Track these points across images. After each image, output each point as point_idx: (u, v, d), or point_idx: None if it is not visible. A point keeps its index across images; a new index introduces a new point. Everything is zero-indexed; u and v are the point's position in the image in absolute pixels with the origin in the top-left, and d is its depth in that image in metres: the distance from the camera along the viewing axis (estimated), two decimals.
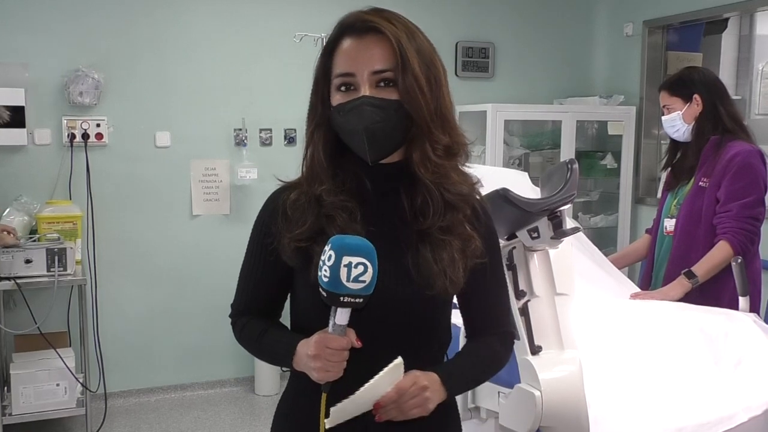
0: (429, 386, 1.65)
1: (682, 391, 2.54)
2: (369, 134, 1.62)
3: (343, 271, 1.51)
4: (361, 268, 1.51)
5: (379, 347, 1.64)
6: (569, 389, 2.20)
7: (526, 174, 3.79)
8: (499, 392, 2.38)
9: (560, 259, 2.33)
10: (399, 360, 1.60)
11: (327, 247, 1.54)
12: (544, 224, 2.21)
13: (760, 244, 3.54)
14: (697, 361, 2.67)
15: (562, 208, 2.20)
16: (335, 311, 1.56)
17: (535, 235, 2.23)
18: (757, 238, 3.47)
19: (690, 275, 3.39)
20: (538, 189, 3.10)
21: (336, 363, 1.58)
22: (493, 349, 1.84)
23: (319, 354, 1.58)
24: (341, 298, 1.53)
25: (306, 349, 1.62)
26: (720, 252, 3.39)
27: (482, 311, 1.84)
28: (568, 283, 2.33)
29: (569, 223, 2.50)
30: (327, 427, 1.61)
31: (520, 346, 2.24)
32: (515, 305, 2.25)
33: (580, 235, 3.48)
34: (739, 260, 3.02)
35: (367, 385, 1.58)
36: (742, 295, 3.04)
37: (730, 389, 2.56)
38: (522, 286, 2.27)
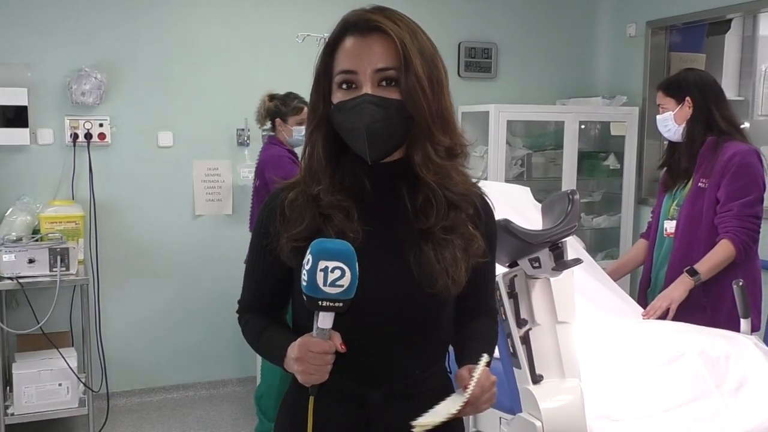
0: (496, 379, 1.67)
1: (683, 415, 2.54)
2: (370, 133, 1.62)
3: (320, 276, 1.51)
4: (338, 273, 1.51)
5: (381, 345, 1.66)
6: (570, 419, 2.22)
7: (528, 189, 3.79)
8: (500, 418, 2.40)
9: (561, 287, 2.34)
10: (486, 357, 1.63)
11: (307, 251, 1.54)
12: (545, 255, 2.22)
13: (759, 243, 3.56)
14: (697, 384, 2.67)
15: (563, 239, 2.21)
16: (317, 315, 1.57)
17: (537, 264, 2.24)
18: (758, 236, 3.49)
19: (692, 272, 3.41)
20: (540, 205, 3.11)
21: (318, 367, 1.58)
22: (493, 329, 1.90)
23: (302, 357, 1.58)
24: (320, 303, 1.54)
25: (291, 352, 1.62)
26: (722, 250, 3.41)
27: (476, 300, 1.86)
28: (569, 311, 2.34)
29: (575, 244, 2.51)
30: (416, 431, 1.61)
31: (522, 375, 2.26)
32: (516, 333, 2.26)
33: (582, 251, 3.50)
34: (741, 283, 3.02)
35: (468, 390, 1.59)
36: (744, 317, 3.05)
37: (731, 413, 2.57)
38: (523, 314, 2.28)
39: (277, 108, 4.77)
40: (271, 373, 4.51)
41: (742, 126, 3.70)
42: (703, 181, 3.52)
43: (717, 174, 3.46)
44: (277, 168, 4.64)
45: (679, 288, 3.42)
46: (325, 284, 1.51)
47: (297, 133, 4.72)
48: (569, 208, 2.17)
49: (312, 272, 1.51)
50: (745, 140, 3.55)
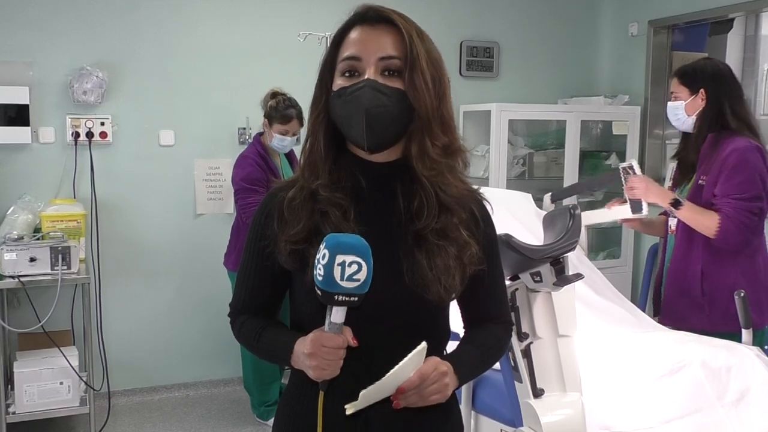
0: (448, 372, 1.67)
1: (684, 426, 2.55)
2: (369, 118, 1.61)
3: (337, 270, 1.51)
4: (355, 267, 1.51)
5: (375, 347, 1.66)
6: None
7: (530, 196, 3.80)
8: (501, 430, 2.41)
9: (563, 301, 2.34)
10: (423, 345, 1.61)
11: (321, 246, 1.54)
12: (546, 270, 2.22)
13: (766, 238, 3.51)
14: (698, 395, 2.67)
15: (564, 255, 2.21)
16: (331, 310, 1.57)
17: (538, 279, 2.25)
18: (758, 231, 3.42)
19: (677, 203, 3.39)
20: (542, 212, 3.11)
21: (332, 361, 1.59)
22: (497, 336, 1.87)
23: (315, 352, 1.59)
24: (336, 297, 1.54)
25: (302, 347, 1.63)
26: (710, 217, 3.35)
27: (482, 306, 1.86)
28: (571, 325, 2.34)
29: (576, 250, 2.51)
30: (349, 413, 1.63)
31: (523, 389, 2.26)
32: (518, 347, 2.27)
33: (584, 258, 3.50)
34: (742, 294, 3.01)
35: (392, 371, 1.59)
36: (745, 328, 3.04)
37: (732, 424, 2.58)
38: (525, 328, 2.29)
39: (271, 109, 4.78)
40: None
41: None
42: (703, 178, 3.47)
43: (715, 171, 3.40)
44: (238, 167, 4.82)
45: (660, 195, 3.45)
46: (342, 278, 1.51)
47: (278, 141, 4.76)
48: (570, 223, 2.18)
49: (329, 266, 1.51)
50: (753, 136, 3.44)
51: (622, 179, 3.50)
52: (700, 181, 3.49)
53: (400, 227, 1.70)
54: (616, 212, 3.60)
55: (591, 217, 3.59)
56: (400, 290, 1.67)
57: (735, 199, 3.32)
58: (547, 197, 3.77)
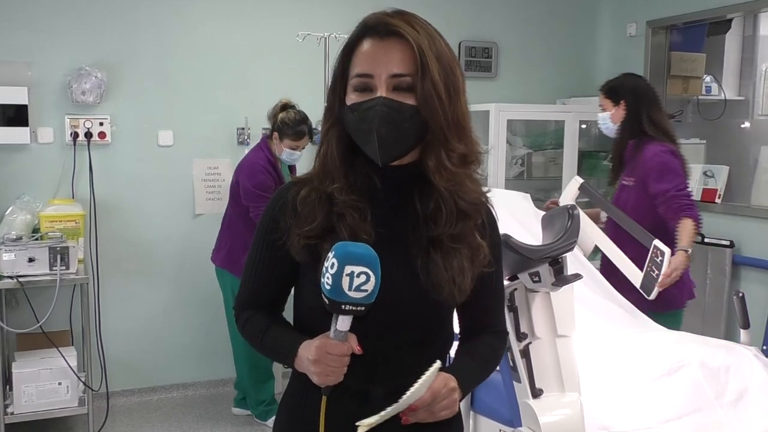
0: (457, 388, 1.67)
1: (683, 426, 2.55)
2: (381, 136, 1.61)
3: (345, 280, 1.51)
4: (363, 278, 1.51)
5: (383, 346, 1.67)
6: None
7: (528, 196, 3.82)
8: (500, 430, 2.41)
9: (561, 301, 2.34)
10: (438, 364, 1.62)
11: (330, 254, 1.53)
12: (545, 270, 2.22)
13: None
14: (697, 395, 2.68)
15: (563, 255, 2.21)
16: (337, 318, 1.57)
17: (537, 279, 2.25)
18: (696, 206, 3.79)
19: (686, 250, 3.64)
20: (540, 213, 3.11)
21: (336, 368, 1.59)
22: (493, 346, 1.87)
23: (320, 359, 1.59)
24: (343, 306, 1.54)
25: (307, 353, 1.63)
26: (688, 224, 3.68)
27: (482, 313, 1.85)
28: (569, 325, 2.34)
29: (575, 251, 2.51)
30: (362, 431, 1.62)
31: (522, 389, 2.26)
32: (516, 347, 2.26)
33: (583, 258, 3.50)
34: (741, 294, 3.03)
35: (409, 391, 1.59)
36: (743, 328, 3.06)
37: (731, 424, 2.58)
38: (523, 328, 2.29)
39: (283, 123, 4.76)
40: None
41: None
42: (626, 179, 3.94)
43: (640, 173, 3.84)
44: (249, 176, 4.79)
45: (685, 261, 3.63)
46: (350, 289, 1.51)
47: (287, 155, 4.80)
48: (569, 223, 2.18)
49: (337, 276, 1.51)
50: (669, 141, 3.88)
51: (650, 252, 3.57)
52: (623, 182, 3.97)
53: (417, 229, 1.70)
54: (629, 272, 3.66)
55: (603, 245, 3.67)
56: (416, 292, 1.68)
57: (675, 192, 3.75)
58: (577, 181, 3.92)
